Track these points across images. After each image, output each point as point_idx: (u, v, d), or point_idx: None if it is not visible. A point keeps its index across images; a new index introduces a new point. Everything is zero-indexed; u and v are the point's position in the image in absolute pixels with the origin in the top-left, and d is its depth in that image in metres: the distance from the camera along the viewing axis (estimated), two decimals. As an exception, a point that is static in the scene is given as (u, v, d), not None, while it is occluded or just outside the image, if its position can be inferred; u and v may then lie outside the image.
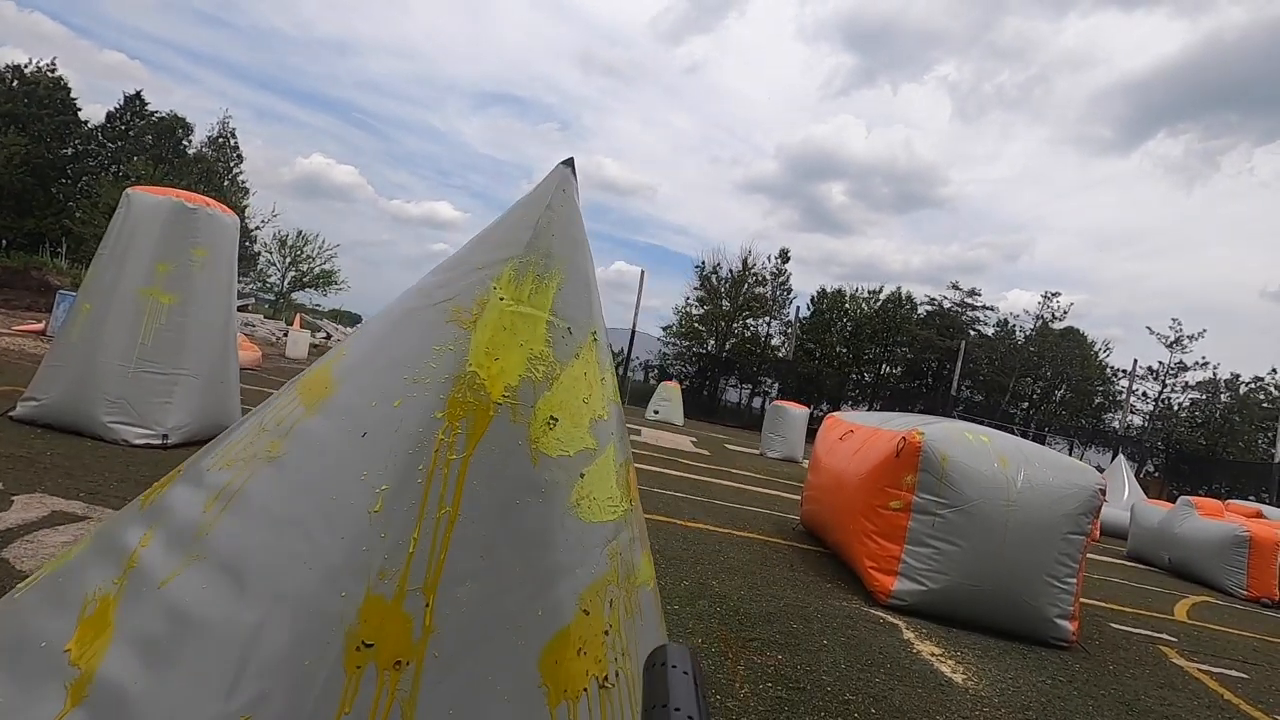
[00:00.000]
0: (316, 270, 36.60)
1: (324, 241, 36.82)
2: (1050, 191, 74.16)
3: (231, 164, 35.02)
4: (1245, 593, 8.08)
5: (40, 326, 12.13)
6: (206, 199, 5.57)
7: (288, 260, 35.94)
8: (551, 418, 0.67)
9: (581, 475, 0.69)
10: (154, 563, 0.60)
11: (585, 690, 0.62)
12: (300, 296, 36.77)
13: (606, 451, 0.74)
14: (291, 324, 21.44)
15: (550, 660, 0.60)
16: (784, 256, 38.27)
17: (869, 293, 40.02)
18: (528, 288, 0.71)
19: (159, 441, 4.99)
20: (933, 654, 3.82)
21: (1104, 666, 4.25)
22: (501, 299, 0.69)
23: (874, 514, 4.74)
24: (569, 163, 0.81)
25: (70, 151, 32.25)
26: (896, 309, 39.06)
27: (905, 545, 4.53)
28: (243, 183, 35.37)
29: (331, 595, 0.55)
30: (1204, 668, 4.67)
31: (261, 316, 25.31)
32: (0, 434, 4.55)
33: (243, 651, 0.53)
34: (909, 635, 4.08)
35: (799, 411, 17.04)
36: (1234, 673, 4.69)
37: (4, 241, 27.78)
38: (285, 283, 36.01)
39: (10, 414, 4.98)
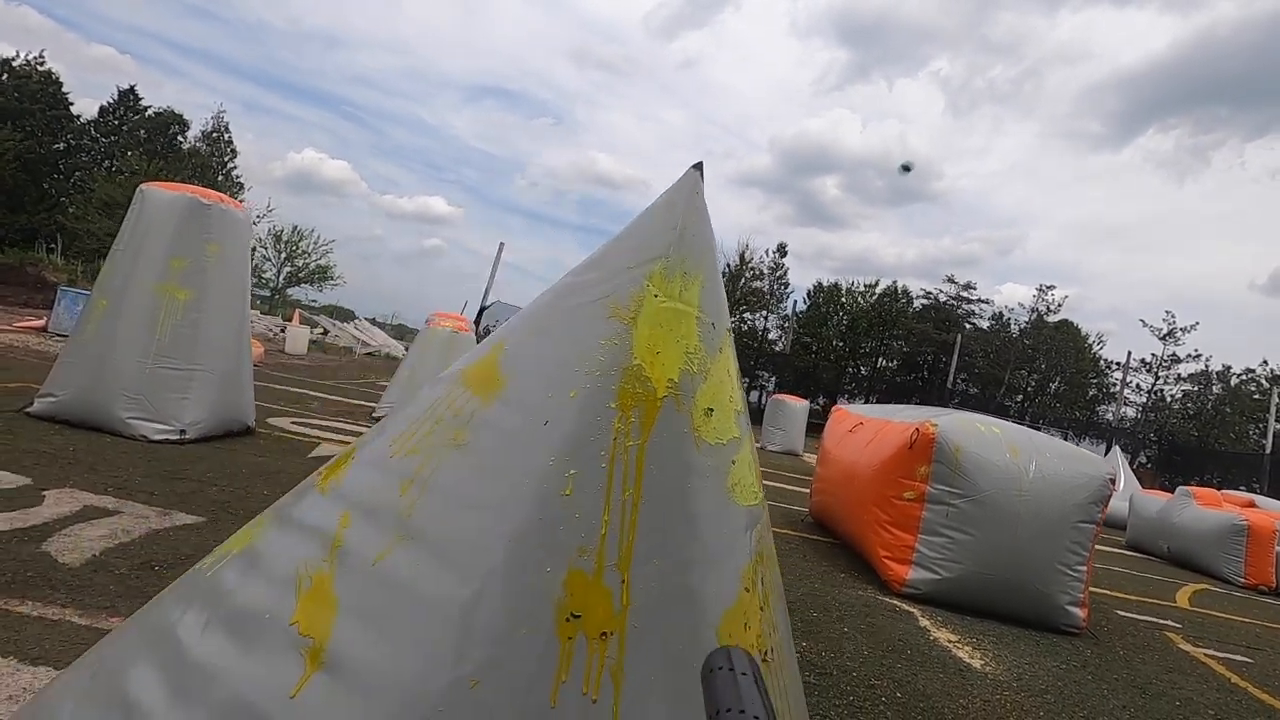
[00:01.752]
0: (312, 265, 36.45)
1: (319, 237, 36.69)
2: (1043, 186, 74.50)
3: (225, 158, 34.78)
4: (1243, 580, 8.22)
5: (41, 323, 12.08)
6: (221, 195, 5.58)
7: (283, 256, 35.78)
8: (709, 408, 0.72)
9: (733, 462, 0.74)
10: (362, 542, 0.64)
11: (752, 662, 0.67)
12: (294, 292, 36.64)
13: (747, 442, 0.79)
14: (290, 320, 21.37)
15: (726, 633, 0.65)
16: (782, 251, 38.38)
17: (865, 287, 40.20)
18: (677, 285, 0.76)
19: (177, 437, 5.01)
20: (950, 641, 3.90)
21: (1114, 652, 4.34)
22: (655, 296, 0.74)
23: (887, 504, 4.81)
24: (699, 167, 0.85)
25: (62, 146, 31.95)
26: (892, 303, 39.24)
27: (919, 535, 4.60)
28: (237, 177, 35.16)
29: (537, 570, 0.60)
30: (1209, 652, 4.77)
31: (258, 312, 25.21)
32: (19, 430, 4.56)
33: (463, 623, 0.57)
34: (925, 623, 4.15)
35: (799, 405, 17.12)
36: (1239, 657, 4.79)
37: (-3, 237, 27.54)
38: (281, 278, 35.86)
39: (28, 410, 4.99)
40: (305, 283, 36.75)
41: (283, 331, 19.77)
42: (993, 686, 3.34)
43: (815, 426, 7.75)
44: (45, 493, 3.46)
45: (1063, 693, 3.45)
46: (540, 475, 0.65)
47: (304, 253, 36.15)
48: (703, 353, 0.74)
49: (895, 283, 40.11)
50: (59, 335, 11.08)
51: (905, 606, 4.41)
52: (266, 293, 34.79)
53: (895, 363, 40.27)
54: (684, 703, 0.61)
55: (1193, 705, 3.63)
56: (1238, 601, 7.24)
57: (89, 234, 25.03)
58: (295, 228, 35.93)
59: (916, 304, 39.81)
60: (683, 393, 0.71)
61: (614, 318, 0.73)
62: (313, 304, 36.78)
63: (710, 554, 0.67)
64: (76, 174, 32.12)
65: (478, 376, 0.75)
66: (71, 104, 32.25)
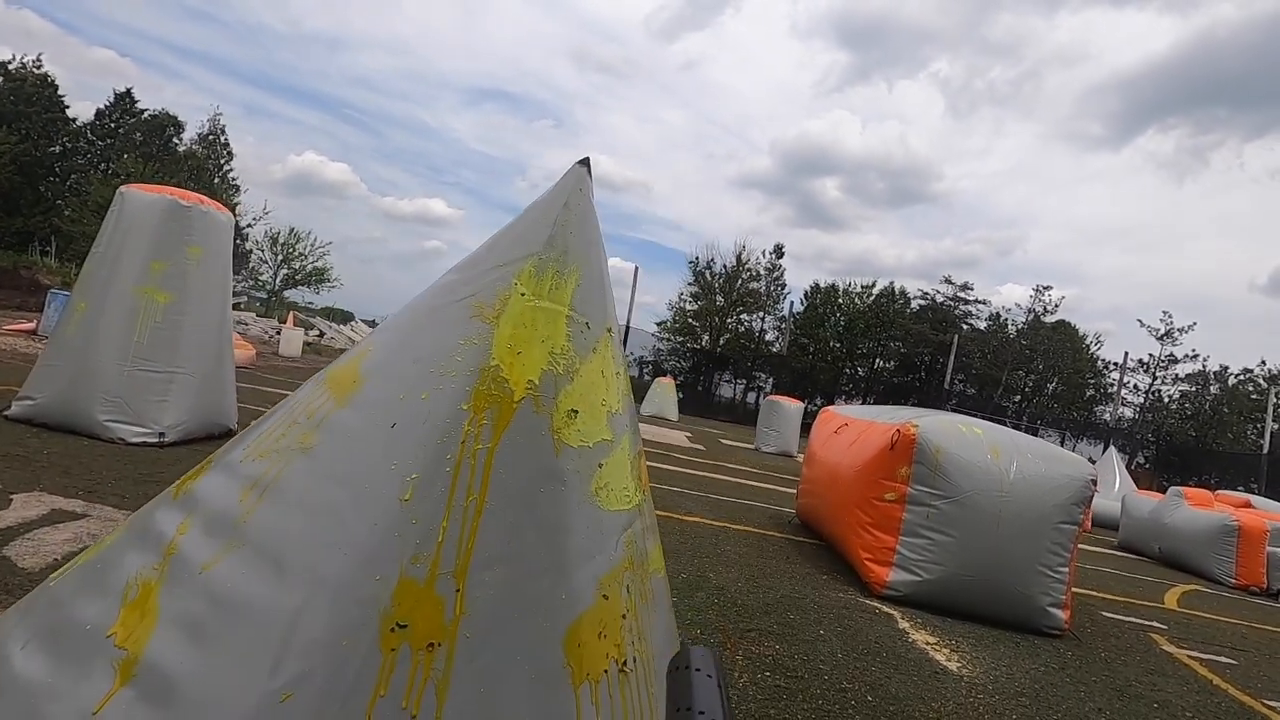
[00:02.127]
0: (309, 268, 36.44)
1: (316, 239, 36.68)
2: (1042, 187, 74.44)
3: (222, 161, 34.78)
4: (1233, 581, 8.20)
5: (31, 326, 12.05)
6: (201, 197, 5.55)
7: (279, 258, 35.77)
8: (572, 410, 0.70)
9: (600, 465, 0.72)
10: (194, 549, 0.62)
11: (605, 672, 0.65)
12: (292, 294, 36.63)
13: (622, 444, 0.76)
14: (284, 322, 21.35)
15: (573, 642, 0.63)
16: (779, 252, 38.41)
17: (862, 288, 40.21)
18: (548, 283, 0.74)
19: (155, 440, 4.98)
20: (928, 643, 3.88)
21: (1095, 654, 4.31)
22: (523, 294, 0.72)
23: (869, 506, 4.78)
24: (585, 162, 0.84)
25: (58, 149, 31.96)
26: (890, 304, 39.26)
27: (900, 536, 4.58)
28: (233, 180, 35.15)
29: (366, 579, 0.58)
30: (1193, 654, 4.74)
31: (254, 315, 25.19)
32: (-4, 433, 4.54)
33: (284, 633, 0.55)
34: (904, 625, 4.13)
35: (794, 406, 17.10)
36: (1222, 659, 4.77)
37: (-8, 240, 27.53)
38: (277, 281, 35.85)
39: (5, 413, 4.96)
40: (302, 285, 36.74)
41: (278, 334, 19.75)
42: (967, 689, 3.32)
43: (810, 428, 7.75)
44: (14, 496, 3.43)
45: (1039, 695, 3.42)
46: (381, 480, 0.63)
47: (300, 255, 36.13)
48: (570, 353, 0.72)
49: (892, 283, 40.17)
50: (48, 338, 11.06)
51: (885, 609, 4.39)
52: (263, 295, 34.78)
53: (892, 364, 40.26)
54: (519, 714, 0.58)
55: (1171, 708, 3.61)
56: (1226, 602, 7.22)
57: (84, 236, 24.99)
58: (292, 230, 35.94)
59: (914, 305, 39.83)
60: (543, 394, 0.69)
61: (477, 317, 0.71)
62: (310, 306, 36.76)
63: (563, 560, 0.65)
64: (72, 177, 32.13)
65: (338, 377, 0.73)
66: (67, 107, 32.28)
